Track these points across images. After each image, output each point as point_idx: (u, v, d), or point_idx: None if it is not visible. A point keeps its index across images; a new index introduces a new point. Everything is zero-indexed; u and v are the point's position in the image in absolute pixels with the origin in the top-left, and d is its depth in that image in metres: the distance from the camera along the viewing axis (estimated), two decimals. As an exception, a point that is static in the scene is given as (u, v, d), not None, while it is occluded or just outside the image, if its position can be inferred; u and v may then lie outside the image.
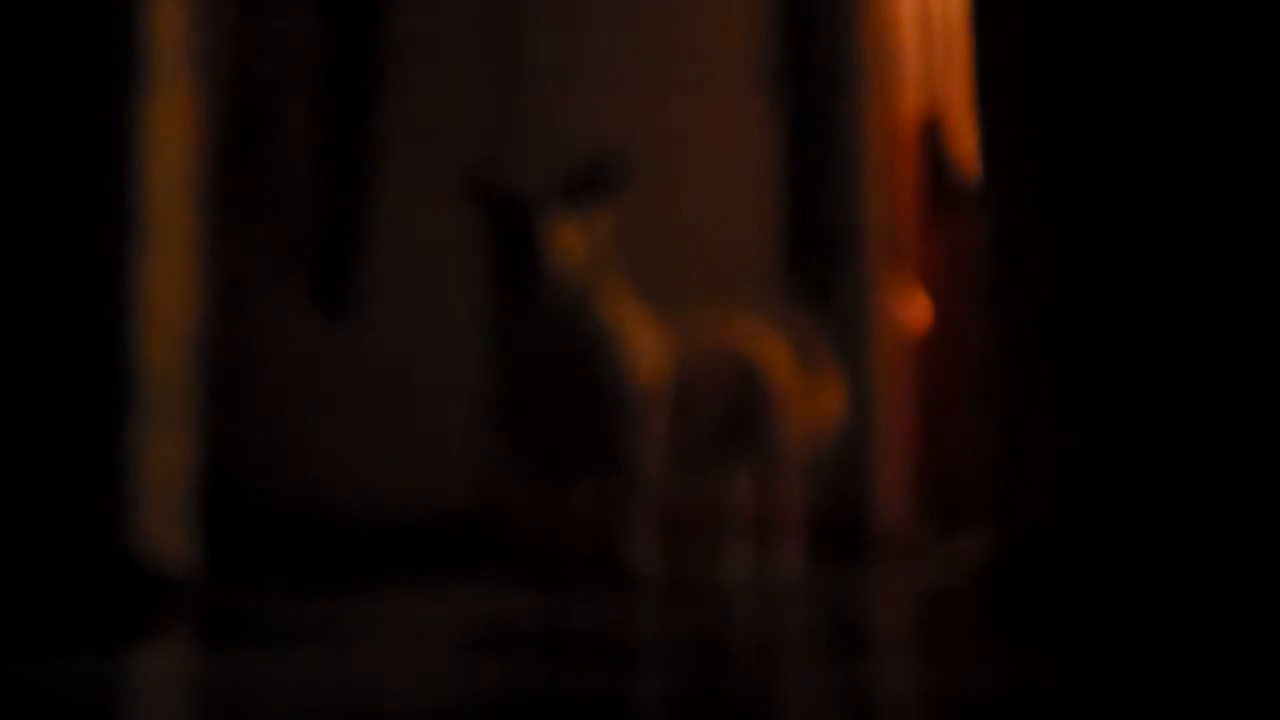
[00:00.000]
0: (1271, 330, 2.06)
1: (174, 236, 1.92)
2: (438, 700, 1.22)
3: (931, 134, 4.48)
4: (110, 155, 1.83)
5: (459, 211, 2.69)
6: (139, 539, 1.80)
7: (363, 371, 3.81)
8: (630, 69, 4.05)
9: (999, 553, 2.53)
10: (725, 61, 4.07)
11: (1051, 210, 2.32)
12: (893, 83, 4.27)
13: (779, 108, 3.87)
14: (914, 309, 4.31)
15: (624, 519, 2.68)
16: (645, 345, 2.72)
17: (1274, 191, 2.06)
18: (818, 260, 3.72)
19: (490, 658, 1.53)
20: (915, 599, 2.73)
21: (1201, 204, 2.12)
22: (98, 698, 1.21)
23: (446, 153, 3.45)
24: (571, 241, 2.54)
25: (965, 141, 4.06)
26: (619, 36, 4.07)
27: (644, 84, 4.03)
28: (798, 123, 3.88)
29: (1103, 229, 2.22)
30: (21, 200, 1.86)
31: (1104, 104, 2.24)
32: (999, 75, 2.53)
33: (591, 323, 2.62)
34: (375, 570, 3.07)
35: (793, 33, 4.01)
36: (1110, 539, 2.21)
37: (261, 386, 3.70)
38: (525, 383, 2.68)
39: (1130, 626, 1.92)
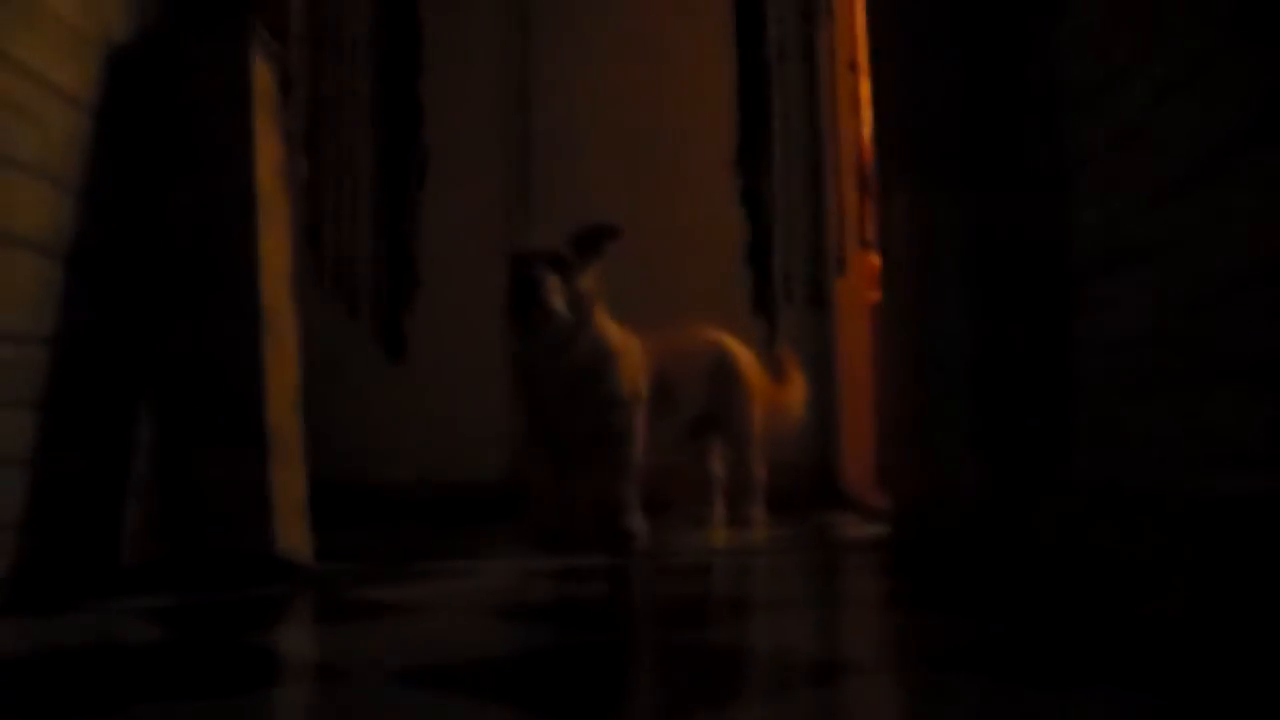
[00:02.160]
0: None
1: (284, 322, 2.56)
2: (481, 654, 1.83)
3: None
4: (238, 264, 2.47)
5: (486, 271, 3.38)
6: (278, 542, 2.49)
7: (418, 390, 4.72)
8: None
9: (899, 513, 2.90)
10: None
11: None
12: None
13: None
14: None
15: (619, 494, 3.28)
16: (630, 358, 3.35)
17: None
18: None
19: (518, 621, 2.14)
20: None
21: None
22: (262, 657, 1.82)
23: (475, 230, 4.30)
24: (569, 284, 3.16)
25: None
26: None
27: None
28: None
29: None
30: (174, 305, 2.51)
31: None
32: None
33: (588, 344, 3.24)
34: (435, 532, 3.76)
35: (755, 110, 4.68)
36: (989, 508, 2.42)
37: (347, 407, 4.62)
38: (539, 392, 3.32)
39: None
